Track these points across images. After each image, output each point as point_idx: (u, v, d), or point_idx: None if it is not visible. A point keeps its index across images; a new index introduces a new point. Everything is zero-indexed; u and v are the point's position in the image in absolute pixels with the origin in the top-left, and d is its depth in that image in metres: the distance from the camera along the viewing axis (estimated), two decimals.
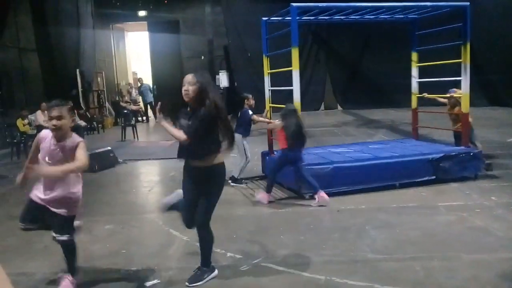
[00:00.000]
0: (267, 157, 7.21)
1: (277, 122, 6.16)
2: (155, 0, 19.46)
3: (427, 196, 5.79)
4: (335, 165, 6.10)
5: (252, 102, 7.35)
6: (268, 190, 5.92)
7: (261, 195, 5.93)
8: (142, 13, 19.98)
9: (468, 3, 6.47)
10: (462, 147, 6.69)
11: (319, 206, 5.55)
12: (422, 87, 7.91)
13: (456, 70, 6.94)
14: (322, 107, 21.65)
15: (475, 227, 4.63)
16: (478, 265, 3.73)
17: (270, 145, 7.31)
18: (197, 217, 3.59)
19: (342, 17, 7.20)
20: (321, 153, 7.06)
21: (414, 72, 7.62)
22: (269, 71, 7.32)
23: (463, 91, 6.64)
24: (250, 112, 7.13)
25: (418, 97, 7.86)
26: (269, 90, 7.39)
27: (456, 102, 6.98)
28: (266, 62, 7.36)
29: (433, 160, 6.34)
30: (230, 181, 6.83)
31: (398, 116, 16.55)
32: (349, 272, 3.70)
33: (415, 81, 7.68)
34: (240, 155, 7.07)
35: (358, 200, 5.72)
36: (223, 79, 20.64)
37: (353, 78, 21.25)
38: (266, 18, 7.21)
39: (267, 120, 7.02)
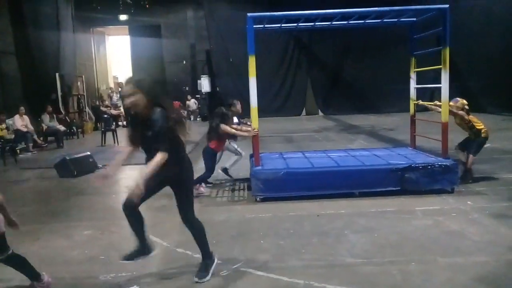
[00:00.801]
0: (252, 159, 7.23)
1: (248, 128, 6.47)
2: (137, 4, 19.36)
3: (405, 200, 5.87)
4: (287, 170, 6.17)
5: (238, 108, 7.28)
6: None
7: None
8: (123, 17, 19.89)
9: (447, 6, 6.27)
10: (436, 158, 6.43)
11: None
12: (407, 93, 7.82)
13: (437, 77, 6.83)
14: (304, 112, 21.81)
15: (451, 231, 4.72)
16: (454, 269, 3.81)
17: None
18: (187, 213, 3.73)
19: (325, 24, 7.22)
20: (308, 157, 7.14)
21: (413, 77, 7.55)
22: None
23: (443, 99, 6.36)
24: (235, 120, 7.12)
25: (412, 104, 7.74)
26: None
27: (456, 111, 6.72)
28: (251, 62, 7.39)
29: (396, 170, 6.11)
30: (220, 170, 7.16)
31: (378, 122, 16.77)
32: (328, 276, 3.74)
33: (413, 87, 7.52)
34: (235, 154, 7.30)
35: (338, 205, 5.77)
36: (205, 84, 20.64)
37: (334, 84, 21.49)
38: (256, 26, 7.22)
39: (243, 133, 6.84)
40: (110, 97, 19.65)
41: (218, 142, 6.67)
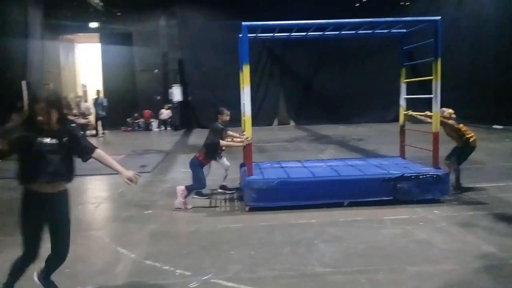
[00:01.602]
0: (243, 168, 7.21)
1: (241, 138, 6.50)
2: (108, 12, 19.14)
3: (374, 210, 5.94)
4: (281, 180, 6.16)
5: (226, 117, 7.22)
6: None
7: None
8: (93, 24, 19.58)
9: (439, 18, 6.38)
10: (427, 168, 6.47)
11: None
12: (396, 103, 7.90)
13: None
14: (276, 122, 21.91)
15: (419, 240, 4.80)
16: (422, 277, 3.87)
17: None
18: (65, 248, 3.38)
19: (301, 34, 7.27)
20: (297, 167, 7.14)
21: (403, 88, 7.56)
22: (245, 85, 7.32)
23: (433, 109, 6.42)
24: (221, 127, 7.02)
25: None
26: (243, 103, 7.38)
27: (444, 121, 6.77)
28: (241, 76, 7.39)
29: (389, 180, 6.16)
30: (219, 190, 7.14)
31: (348, 132, 16.99)
32: (298, 286, 3.74)
33: (403, 97, 7.57)
34: (221, 167, 7.22)
35: (309, 215, 5.79)
36: (176, 93, 20.50)
37: (306, 94, 21.69)
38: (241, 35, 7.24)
39: (237, 144, 6.82)
40: (78, 106, 19.26)
41: (207, 155, 6.59)
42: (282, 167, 7.06)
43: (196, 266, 4.22)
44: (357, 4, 17.97)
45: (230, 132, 6.97)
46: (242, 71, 7.28)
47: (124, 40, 21.00)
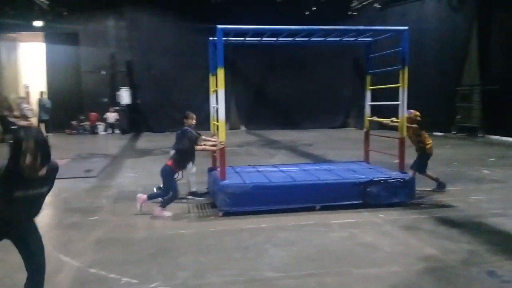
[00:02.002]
0: (212, 172, 7.13)
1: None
2: (53, 10, 18.43)
3: (323, 214, 6.03)
4: (255, 184, 6.17)
5: (192, 121, 7.07)
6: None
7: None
8: (38, 23, 18.78)
9: (406, 28, 6.59)
10: (395, 173, 6.64)
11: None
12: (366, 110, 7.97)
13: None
14: (227, 127, 21.86)
15: (365, 243, 4.92)
16: (368, 280, 3.96)
17: (214, 160, 7.30)
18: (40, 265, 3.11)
19: (288, 39, 7.34)
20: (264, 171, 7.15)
21: (368, 95, 7.70)
22: (214, 89, 7.25)
23: (400, 116, 6.58)
24: (188, 129, 6.90)
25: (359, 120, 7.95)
26: (213, 107, 7.37)
27: (409, 124, 6.96)
28: (212, 81, 7.41)
29: (359, 184, 6.31)
30: (190, 197, 6.88)
31: (297, 137, 17.24)
32: None
33: (368, 104, 7.72)
34: (188, 172, 6.99)
35: (260, 220, 5.80)
36: (124, 96, 20.04)
37: (257, 99, 21.83)
38: (212, 38, 7.16)
39: (211, 147, 6.66)
40: (20, 107, 18.38)
41: (180, 163, 6.34)
42: (255, 172, 7.09)
43: (143, 273, 4.11)
44: (307, 13, 18.30)
45: (203, 136, 6.83)
46: (212, 74, 7.32)
47: (70, 40, 20.31)
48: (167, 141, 16.45)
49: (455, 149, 13.01)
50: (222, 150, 6.29)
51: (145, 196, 6.26)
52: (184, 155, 6.34)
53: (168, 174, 6.22)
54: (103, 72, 20.92)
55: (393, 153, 6.96)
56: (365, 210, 6.16)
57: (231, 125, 21.95)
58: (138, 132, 19.97)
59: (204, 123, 20.71)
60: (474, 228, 5.43)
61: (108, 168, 10.30)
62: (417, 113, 7.15)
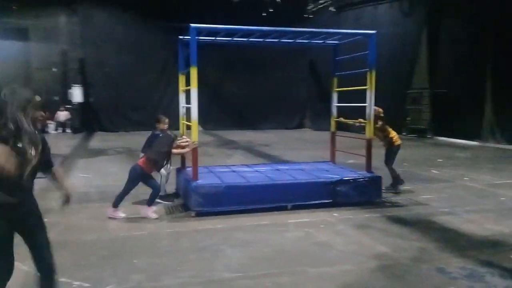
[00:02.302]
0: (179, 172, 7.02)
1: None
2: (2, 5, 17.61)
3: (279, 214, 6.08)
4: (228, 184, 6.16)
5: (164, 126, 6.86)
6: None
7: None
8: None
9: (374, 32, 6.81)
10: (363, 173, 6.81)
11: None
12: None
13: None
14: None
15: (320, 242, 5.00)
16: (323, 278, 4.02)
17: (183, 161, 7.20)
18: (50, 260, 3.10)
19: (259, 40, 7.35)
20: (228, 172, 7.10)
21: (334, 96, 7.77)
22: (184, 88, 7.26)
23: (367, 117, 6.76)
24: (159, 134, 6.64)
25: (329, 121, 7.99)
26: (183, 107, 7.35)
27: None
28: (182, 79, 7.33)
29: (329, 184, 6.43)
30: (158, 200, 6.54)
31: (254, 137, 17.31)
32: None
33: (334, 106, 7.80)
34: (160, 175, 6.72)
35: (216, 220, 5.78)
36: (76, 94, 19.45)
37: (214, 100, 21.75)
38: (182, 37, 7.09)
39: (185, 150, 6.42)
40: None
41: (155, 165, 6.08)
42: (228, 172, 7.07)
43: (96, 277, 4.00)
44: (264, 14, 18.40)
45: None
46: (182, 73, 7.28)
47: (20, 36, 19.49)
48: (120, 141, 16.14)
49: (405, 150, 13.38)
50: (194, 150, 6.22)
51: (111, 210, 5.99)
52: (160, 158, 6.09)
53: (139, 176, 5.97)
54: (55, 69, 20.22)
55: (357, 153, 7.15)
56: (320, 210, 6.25)
57: (188, 126, 21.75)
58: (91, 131, 19.43)
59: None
60: (424, 226, 5.64)
61: (61, 168, 9.94)
62: (380, 109, 7.35)
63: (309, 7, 20.02)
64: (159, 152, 6.05)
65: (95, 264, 4.33)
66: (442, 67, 17.41)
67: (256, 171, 7.28)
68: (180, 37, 7.14)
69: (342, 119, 7.96)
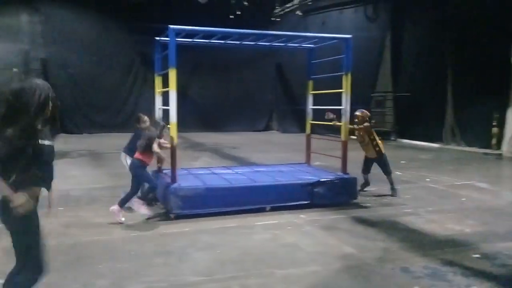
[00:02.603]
0: (156, 175, 6.92)
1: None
2: None
3: (246, 216, 6.07)
4: (207, 186, 6.15)
5: (143, 125, 6.62)
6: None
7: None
8: None
9: (350, 36, 6.93)
10: (339, 174, 6.92)
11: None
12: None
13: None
14: None
15: (287, 244, 5.01)
16: (290, 280, 4.03)
17: (160, 163, 7.17)
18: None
19: (221, 42, 7.38)
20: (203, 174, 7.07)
21: (310, 99, 7.82)
22: (161, 89, 7.30)
23: (343, 119, 6.90)
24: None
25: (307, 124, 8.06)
26: (159, 108, 7.33)
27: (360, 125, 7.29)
28: (158, 81, 7.29)
29: (307, 185, 6.52)
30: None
31: (221, 140, 17.23)
32: None
33: (310, 108, 7.84)
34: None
35: (182, 224, 5.71)
36: None
37: (181, 101, 21.53)
38: (158, 38, 6.99)
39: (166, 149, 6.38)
40: None
41: (146, 154, 6.04)
42: (208, 174, 7.04)
43: (57, 283, 3.87)
44: (231, 16, 18.39)
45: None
46: (158, 75, 7.34)
47: None
48: (84, 143, 15.76)
49: None
50: (173, 152, 6.16)
51: (116, 207, 5.82)
52: (147, 149, 6.03)
53: (139, 168, 5.98)
54: (15, 70, 19.52)
55: (333, 155, 7.26)
56: (287, 212, 6.28)
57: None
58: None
59: (125, 124, 19.97)
60: (388, 227, 5.75)
61: None
62: (367, 112, 7.48)
63: (276, 11, 20.13)
64: (146, 144, 6.01)
65: (57, 270, 4.18)
66: (405, 71, 17.86)
67: (236, 172, 7.29)
68: (157, 38, 7.07)
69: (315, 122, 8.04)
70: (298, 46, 7.74)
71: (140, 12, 19.12)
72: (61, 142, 15.88)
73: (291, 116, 20.81)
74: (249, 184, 6.48)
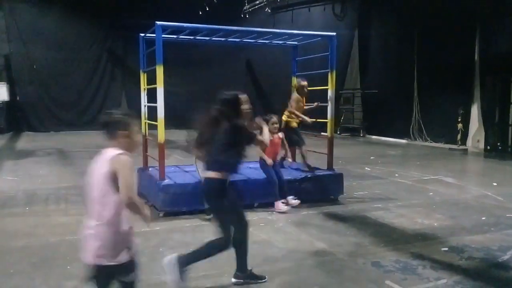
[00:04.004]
0: (143, 173, 6.84)
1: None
2: None
3: None
4: (197, 183, 6.00)
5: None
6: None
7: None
8: None
9: (334, 34, 7.04)
10: (325, 170, 7.03)
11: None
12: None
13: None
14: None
15: (260, 241, 5.02)
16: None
17: (146, 160, 7.12)
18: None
19: (206, 38, 7.39)
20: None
21: (294, 96, 7.83)
22: (146, 86, 7.21)
23: (329, 116, 7.04)
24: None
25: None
26: (145, 106, 7.32)
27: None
28: (143, 77, 7.21)
29: (295, 181, 6.58)
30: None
31: (193, 137, 17.08)
32: None
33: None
34: None
35: (153, 223, 5.62)
36: (1, 92, 18.30)
37: (150, 98, 21.28)
38: (143, 34, 6.90)
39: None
40: None
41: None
42: (194, 171, 6.83)
43: (25, 285, 3.77)
44: (200, 13, 18.26)
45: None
46: (143, 71, 7.30)
47: None
48: (50, 141, 15.37)
49: (339, 149, 13.79)
50: (161, 148, 6.13)
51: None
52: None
53: (263, 165, 6.32)
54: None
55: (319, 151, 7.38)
56: (260, 209, 6.28)
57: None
58: (18, 131, 18.34)
59: (92, 122, 19.65)
60: (359, 222, 5.84)
61: None
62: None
63: (245, 8, 20.11)
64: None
65: (24, 271, 4.08)
66: (373, 68, 18.17)
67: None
68: (141, 34, 6.96)
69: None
70: (283, 43, 7.81)
71: (107, 7, 18.78)
72: (26, 141, 15.47)
73: (261, 113, 20.81)
74: (239, 180, 6.34)
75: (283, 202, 6.26)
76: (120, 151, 2.57)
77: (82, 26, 19.60)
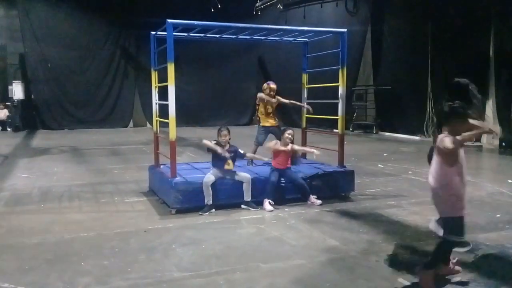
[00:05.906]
0: (154, 171, 6.93)
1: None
2: None
3: (231, 211, 6.06)
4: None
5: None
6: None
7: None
8: None
9: (345, 30, 7.04)
10: (335, 167, 7.02)
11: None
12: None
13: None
14: (131, 124, 21.19)
15: (272, 238, 5.03)
16: (275, 273, 4.05)
17: (157, 158, 7.22)
18: None
19: (232, 36, 7.37)
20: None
21: (305, 93, 7.86)
22: (157, 84, 7.18)
23: (339, 113, 6.98)
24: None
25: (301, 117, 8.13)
26: (156, 103, 7.35)
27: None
28: (154, 75, 7.22)
29: (306, 178, 6.55)
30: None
31: (206, 134, 17.14)
32: None
33: (305, 102, 7.87)
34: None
35: (167, 220, 5.68)
36: (17, 91, 18.56)
37: (163, 96, 21.39)
38: (154, 32, 6.92)
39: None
40: None
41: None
42: (206, 168, 6.92)
43: (41, 281, 3.82)
44: (212, 10, 18.29)
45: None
46: (154, 70, 7.26)
47: None
48: (65, 139, 15.56)
49: (352, 146, 13.78)
50: (173, 146, 6.17)
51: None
52: None
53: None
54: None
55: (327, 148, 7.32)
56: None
57: (135, 122, 21.31)
58: (33, 129, 18.60)
59: (106, 119, 19.83)
60: (371, 219, 5.80)
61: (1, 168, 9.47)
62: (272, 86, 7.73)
63: (257, 5, 20.09)
64: None
65: (39, 268, 4.15)
66: (386, 64, 17.99)
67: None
68: (152, 32, 7.00)
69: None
70: (293, 40, 7.78)
71: (120, 5, 18.90)
72: (41, 139, 15.67)
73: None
74: (252, 177, 6.38)
75: (269, 203, 6.21)
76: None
77: (95, 24, 19.77)
